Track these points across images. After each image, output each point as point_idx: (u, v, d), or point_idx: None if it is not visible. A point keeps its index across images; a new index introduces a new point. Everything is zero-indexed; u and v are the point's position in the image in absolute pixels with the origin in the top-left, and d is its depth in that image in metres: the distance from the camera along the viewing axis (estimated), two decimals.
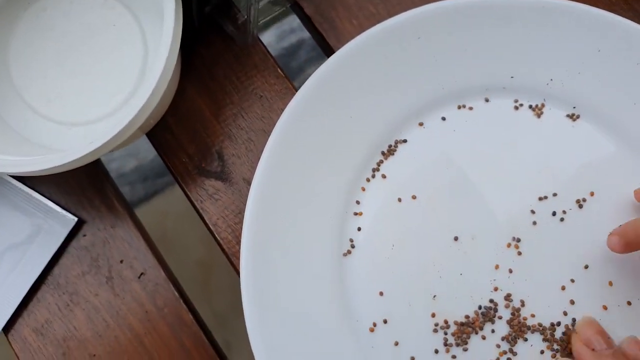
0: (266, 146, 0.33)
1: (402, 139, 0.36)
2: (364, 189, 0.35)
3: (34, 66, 0.35)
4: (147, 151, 0.95)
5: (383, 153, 0.36)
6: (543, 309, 0.33)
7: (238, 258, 0.34)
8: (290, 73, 0.37)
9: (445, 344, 0.33)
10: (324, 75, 0.34)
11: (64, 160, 0.29)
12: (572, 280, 0.33)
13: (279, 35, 0.87)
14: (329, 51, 0.38)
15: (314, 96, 0.34)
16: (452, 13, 0.36)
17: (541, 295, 0.33)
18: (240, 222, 0.35)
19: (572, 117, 0.36)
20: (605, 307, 0.33)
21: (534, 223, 0.34)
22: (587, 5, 0.35)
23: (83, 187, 0.36)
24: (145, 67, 0.35)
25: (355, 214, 0.35)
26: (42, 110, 0.35)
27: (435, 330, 0.33)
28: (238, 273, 0.34)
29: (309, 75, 0.34)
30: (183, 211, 0.90)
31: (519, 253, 0.34)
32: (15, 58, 0.35)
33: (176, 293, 0.35)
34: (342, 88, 0.35)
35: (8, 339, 0.34)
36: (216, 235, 0.35)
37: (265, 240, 0.33)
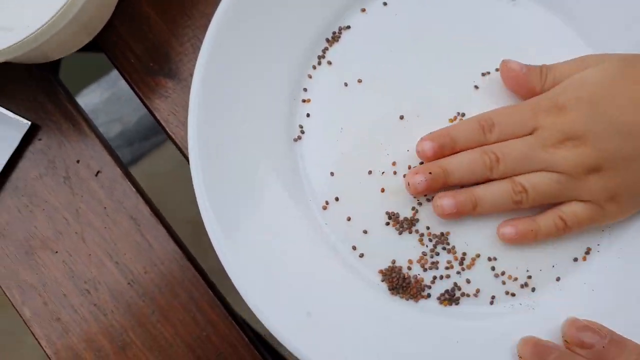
0: (206, 36, 0.34)
1: (346, 25, 0.37)
2: (310, 77, 0.36)
3: None
4: (131, 114, 0.95)
5: (327, 40, 0.36)
6: None
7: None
8: None
9: (394, 215, 0.34)
10: None
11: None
12: None
13: None
14: None
15: None
16: None
17: None
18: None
19: None
20: None
21: (479, 96, 0.35)
22: None
23: (35, 94, 0.37)
24: None
25: (304, 100, 0.36)
26: None
27: (383, 204, 0.34)
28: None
29: None
30: (169, 172, 0.91)
31: None
32: None
33: (133, 188, 0.35)
34: None
35: None
36: (168, 131, 0.36)
37: (214, 129, 0.34)
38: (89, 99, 0.93)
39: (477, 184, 0.33)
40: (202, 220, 0.32)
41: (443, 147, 0.33)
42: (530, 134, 0.32)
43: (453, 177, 0.32)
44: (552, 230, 0.32)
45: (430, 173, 0.32)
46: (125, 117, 0.95)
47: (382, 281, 0.33)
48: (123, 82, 0.85)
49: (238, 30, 0.34)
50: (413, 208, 0.34)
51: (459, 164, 0.32)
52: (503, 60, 0.34)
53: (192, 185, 0.32)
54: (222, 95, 0.34)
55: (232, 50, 0.34)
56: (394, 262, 0.34)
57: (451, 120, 0.35)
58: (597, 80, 0.31)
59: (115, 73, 0.90)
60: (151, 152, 0.94)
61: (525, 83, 0.33)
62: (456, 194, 0.33)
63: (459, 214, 0.33)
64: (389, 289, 0.33)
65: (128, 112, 0.96)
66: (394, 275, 0.33)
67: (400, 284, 0.33)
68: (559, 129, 0.31)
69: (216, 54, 0.34)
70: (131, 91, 0.37)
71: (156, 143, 0.95)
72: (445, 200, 0.32)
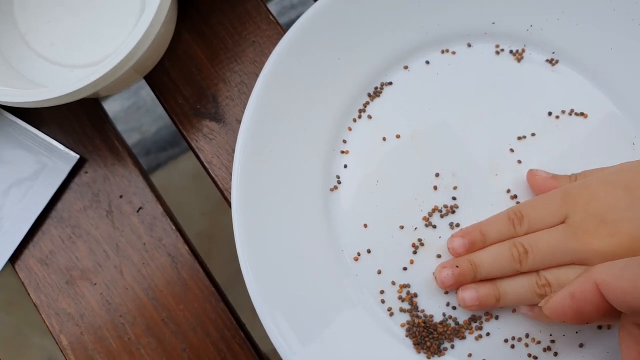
0: (256, 85, 0.35)
1: (388, 81, 0.38)
2: (350, 129, 0.37)
3: (37, 11, 0.37)
4: (150, 124, 0.97)
5: (369, 94, 0.38)
6: None
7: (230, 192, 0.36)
8: (281, 20, 0.39)
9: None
10: (311, 19, 0.36)
11: (57, 93, 0.31)
12: None
13: None
14: None
15: (301, 38, 0.36)
16: None
17: None
18: (230, 159, 0.37)
19: (552, 61, 0.38)
20: None
21: (519, 162, 0.36)
22: None
23: (84, 127, 0.38)
24: (142, 13, 0.37)
25: (342, 152, 0.37)
26: (45, 53, 0.37)
27: (413, 262, 0.35)
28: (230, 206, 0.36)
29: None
30: (184, 183, 0.92)
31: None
32: (19, 3, 0.37)
33: (173, 226, 0.37)
34: (329, 31, 0.36)
35: (15, 269, 0.36)
36: (211, 173, 0.37)
37: (255, 175, 0.35)
38: (109, 106, 0.95)
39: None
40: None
41: (474, 244, 0.33)
42: (561, 222, 0.31)
43: (481, 271, 0.32)
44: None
45: (457, 267, 0.33)
46: (145, 127, 0.97)
47: (406, 336, 0.34)
48: (144, 92, 0.87)
49: (286, 81, 0.36)
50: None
51: (488, 259, 0.32)
52: (530, 171, 0.35)
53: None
54: (266, 144, 0.35)
55: (278, 101, 0.35)
56: (418, 317, 0.34)
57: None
58: (633, 167, 0.31)
59: (138, 84, 0.92)
60: (167, 163, 0.96)
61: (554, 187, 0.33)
62: (479, 287, 0.33)
63: (481, 307, 0.33)
64: (414, 344, 0.34)
65: (148, 122, 0.98)
66: (416, 330, 0.34)
67: (423, 339, 0.34)
68: (592, 213, 0.30)
69: (263, 104, 0.35)
70: (152, 101, 0.38)
71: (172, 155, 0.97)
72: (468, 294, 0.33)
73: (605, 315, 0.26)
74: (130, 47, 0.31)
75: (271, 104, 0.35)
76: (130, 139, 0.95)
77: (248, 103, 0.35)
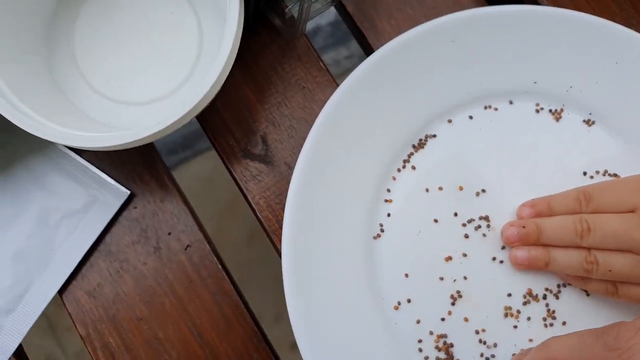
0: (309, 135, 0.36)
1: (432, 134, 0.39)
2: (394, 178, 0.39)
3: (97, 49, 0.38)
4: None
5: (414, 146, 0.39)
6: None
7: (277, 236, 0.38)
8: (331, 66, 0.40)
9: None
10: (364, 72, 0.37)
11: (133, 137, 0.32)
12: None
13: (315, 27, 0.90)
14: (367, 48, 0.41)
15: (354, 91, 0.37)
16: (483, 20, 0.38)
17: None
18: (280, 202, 0.38)
19: (588, 122, 0.39)
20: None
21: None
22: (606, 20, 0.38)
23: (134, 162, 0.39)
24: (200, 55, 0.38)
25: (386, 200, 0.38)
26: (102, 90, 0.38)
27: (451, 312, 0.36)
28: (276, 250, 0.37)
29: (345, 67, 0.37)
30: (209, 178, 0.92)
31: None
32: (80, 41, 0.38)
33: (219, 265, 0.38)
34: (379, 86, 0.38)
35: (63, 301, 0.37)
36: (258, 214, 0.38)
37: (304, 223, 0.36)
38: None
39: None
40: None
41: (540, 214, 0.36)
42: (630, 211, 0.33)
43: (544, 237, 0.35)
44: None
45: (523, 227, 0.35)
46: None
47: None
48: None
49: (337, 132, 0.37)
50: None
51: (552, 226, 0.35)
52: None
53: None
54: (315, 193, 0.36)
55: (329, 151, 0.37)
56: None
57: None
58: None
59: None
60: (177, 167, 0.97)
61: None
62: (531, 249, 0.36)
63: (530, 267, 0.36)
64: None
65: None
66: None
67: None
68: None
69: (315, 153, 0.36)
70: None
71: (184, 158, 0.98)
72: (520, 252, 0.36)
73: None
74: (205, 89, 0.32)
75: (322, 153, 0.37)
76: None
77: (300, 153, 0.36)
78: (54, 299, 0.37)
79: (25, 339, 0.37)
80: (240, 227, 0.86)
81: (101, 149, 0.32)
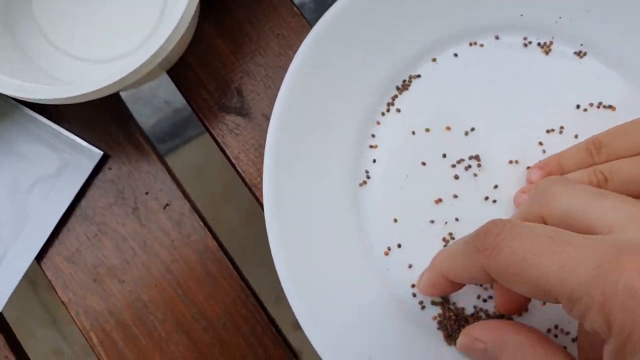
0: (284, 81, 0.34)
1: (416, 74, 0.37)
2: (379, 123, 0.37)
3: (56, 6, 0.36)
4: (148, 116, 0.95)
5: (398, 88, 0.37)
6: None
7: (259, 189, 0.36)
8: (306, 12, 0.38)
9: None
10: (338, 12, 0.35)
11: (82, 91, 0.30)
12: None
13: None
14: None
15: (328, 33, 0.35)
16: None
17: None
18: (261, 155, 0.36)
19: (580, 54, 0.37)
20: None
21: (544, 152, 0.36)
22: None
23: (107, 123, 0.37)
24: (165, 6, 0.36)
25: (371, 146, 0.37)
26: (66, 48, 0.36)
27: None
28: (259, 203, 0.36)
29: (322, 11, 0.35)
30: (201, 165, 0.92)
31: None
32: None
33: (201, 222, 0.36)
34: (357, 24, 0.36)
35: (42, 267, 0.36)
36: (238, 168, 0.37)
37: (286, 172, 0.34)
38: None
39: None
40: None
41: (551, 174, 0.34)
42: None
43: None
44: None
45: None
46: (143, 118, 0.96)
47: (438, 329, 0.34)
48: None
49: (314, 76, 0.35)
50: None
51: None
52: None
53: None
54: (295, 141, 0.35)
55: (307, 97, 0.35)
56: (450, 309, 0.35)
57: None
58: None
59: None
60: (166, 156, 0.96)
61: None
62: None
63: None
64: (444, 337, 0.34)
65: (146, 113, 0.96)
66: (447, 322, 0.34)
67: (454, 332, 0.34)
68: None
69: (292, 100, 0.35)
70: (150, 92, 0.37)
71: (172, 147, 0.96)
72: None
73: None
74: (160, 42, 0.31)
75: (300, 100, 0.35)
76: (147, 122, 0.94)
77: (276, 100, 0.34)
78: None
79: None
80: (237, 210, 0.85)
81: (61, 102, 0.31)
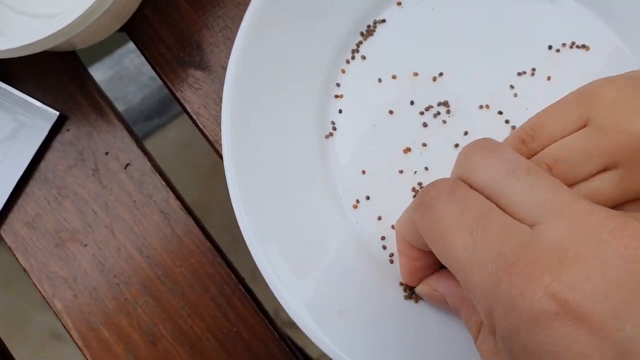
0: (240, 29, 0.33)
1: (381, 19, 0.36)
2: (343, 71, 0.35)
3: None
4: (135, 93, 0.94)
5: (362, 34, 0.36)
6: None
7: (221, 145, 0.35)
8: None
9: None
10: None
11: (23, 42, 0.28)
12: None
13: None
14: None
15: None
16: None
17: None
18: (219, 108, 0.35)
19: None
20: None
21: (515, 95, 0.35)
22: None
23: (63, 83, 0.36)
24: None
25: (336, 96, 0.35)
26: (14, 3, 0.35)
27: None
28: (221, 158, 0.35)
29: None
30: (172, 152, 0.90)
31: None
32: None
33: (163, 182, 0.35)
34: None
35: (0, 234, 0.35)
36: (199, 124, 0.35)
37: (246, 124, 0.33)
38: (92, 74, 0.92)
39: None
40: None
41: None
42: (582, 127, 0.28)
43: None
44: None
45: None
46: (129, 96, 0.94)
47: (400, 284, 0.33)
48: (127, 60, 0.84)
49: (271, 23, 0.34)
50: None
51: None
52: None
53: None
54: (255, 91, 0.33)
55: (265, 45, 0.33)
56: None
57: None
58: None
59: (120, 51, 0.89)
60: (155, 132, 0.94)
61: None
62: None
63: None
64: (405, 291, 0.33)
65: (132, 91, 0.95)
66: None
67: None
68: (625, 105, 0.26)
69: (249, 48, 0.33)
70: (136, 69, 0.36)
71: (160, 124, 0.95)
72: None
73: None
74: None
75: (257, 47, 0.33)
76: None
77: (233, 48, 0.33)
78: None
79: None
80: (200, 167, 0.83)
81: (2, 55, 0.29)
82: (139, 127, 0.93)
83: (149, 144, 0.92)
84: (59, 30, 0.28)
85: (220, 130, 0.35)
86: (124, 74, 0.93)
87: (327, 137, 0.35)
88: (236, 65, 0.33)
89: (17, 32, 0.34)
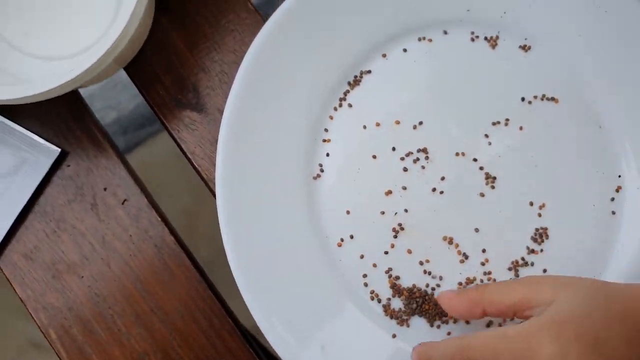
0: (237, 75, 0.35)
1: (367, 69, 0.38)
2: (331, 118, 0.38)
3: (10, 2, 0.36)
4: (127, 101, 0.95)
5: (349, 83, 0.38)
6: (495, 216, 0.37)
7: (214, 183, 0.37)
8: (260, 8, 0.39)
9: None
10: (289, 9, 0.36)
11: (37, 90, 0.30)
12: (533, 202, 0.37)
13: None
14: None
15: (281, 28, 0.36)
16: None
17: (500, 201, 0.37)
18: (216, 150, 0.37)
19: (524, 48, 0.39)
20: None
21: (489, 144, 0.38)
22: None
23: (65, 119, 0.38)
24: (120, 4, 0.37)
25: (324, 140, 0.38)
26: (20, 45, 0.36)
27: (394, 246, 0.36)
28: (214, 196, 0.37)
29: (275, 8, 0.36)
30: (164, 161, 0.91)
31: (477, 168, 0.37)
32: None
33: (158, 217, 0.37)
34: (308, 21, 0.37)
35: None
36: (194, 163, 0.37)
37: (239, 165, 0.35)
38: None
39: None
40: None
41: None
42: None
43: None
44: None
45: None
46: (122, 105, 0.95)
47: (388, 315, 0.35)
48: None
49: (266, 71, 0.36)
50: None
51: None
52: (439, 294, 0.33)
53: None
54: (248, 134, 0.36)
55: (260, 91, 0.36)
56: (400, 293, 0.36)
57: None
58: (594, 312, 0.27)
59: None
60: (146, 141, 0.95)
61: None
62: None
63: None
64: (403, 316, 0.35)
65: (124, 99, 0.96)
66: (409, 301, 0.35)
67: (412, 306, 0.35)
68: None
69: (245, 94, 0.35)
70: (128, 79, 0.38)
71: (151, 132, 0.96)
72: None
73: None
74: (112, 39, 0.31)
75: (253, 93, 0.36)
76: (108, 117, 0.93)
77: (230, 93, 0.35)
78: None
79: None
80: (194, 204, 0.85)
81: (16, 102, 0.31)
82: (131, 136, 0.93)
83: (141, 152, 0.93)
84: (77, 77, 0.30)
85: (214, 170, 0.37)
86: (116, 82, 0.94)
87: (314, 178, 0.37)
88: (232, 110, 0.35)
89: (31, 75, 0.35)
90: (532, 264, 0.36)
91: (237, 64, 0.38)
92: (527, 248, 0.36)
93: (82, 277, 0.36)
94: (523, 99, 0.38)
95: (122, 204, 0.37)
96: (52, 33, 0.37)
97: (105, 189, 0.37)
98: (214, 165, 0.37)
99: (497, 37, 0.39)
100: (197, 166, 0.37)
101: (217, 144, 0.37)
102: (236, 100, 0.35)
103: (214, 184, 0.36)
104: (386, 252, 0.36)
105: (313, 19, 0.37)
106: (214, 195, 0.37)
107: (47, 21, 0.37)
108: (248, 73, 0.36)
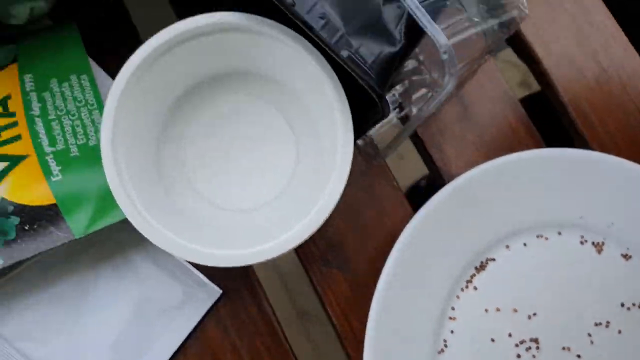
0: (390, 256, 0.41)
1: (492, 257, 0.44)
2: (458, 297, 0.43)
3: (206, 163, 0.42)
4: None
5: (476, 268, 0.44)
6: None
7: (349, 341, 0.42)
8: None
9: None
10: (435, 206, 0.42)
11: (268, 255, 0.35)
12: None
13: None
14: (435, 171, 0.46)
15: (430, 217, 0.42)
16: (541, 161, 0.44)
17: None
18: (352, 311, 0.42)
19: (626, 256, 0.45)
20: None
21: (591, 342, 0.43)
22: None
23: None
24: (295, 171, 0.42)
25: (450, 318, 0.43)
26: (212, 199, 0.41)
27: None
28: (348, 355, 0.41)
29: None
30: None
31: None
32: (191, 158, 0.41)
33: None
34: (450, 214, 0.43)
35: None
36: (333, 319, 0.42)
37: (382, 341, 0.40)
38: None
39: None
40: None
41: None
42: None
43: None
44: None
45: None
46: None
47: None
48: None
49: (413, 256, 0.41)
50: None
51: None
52: None
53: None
54: (392, 314, 0.41)
55: (405, 274, 0.41)
56: None
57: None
58: None
59: None
60: None
61: None
62: None
63: None
64: None
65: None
66: None
67: None
68: None
69: (394, 277, 0.41)
70: None
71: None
72: None
73: None
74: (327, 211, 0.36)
75: (400, 276, 0.41)
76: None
77: (382, 274, 0.40)
78: None
79: None
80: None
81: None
82: None
83: None
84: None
85: (349, 329, 0.42)
86: None
87: (439, 352, 0.42)
88: (382, 290, 0.40)
89: (210, 221, 0.40)
90: None
91: (377, 232, 0.44)
92: None
93: None
94: (622, 304, 0.44)
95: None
96: (236, 191, 0.41)
97: (253, 334, 0.42)
98: (349, 323, 0.42)
99: (603, 244, 0.45)
100: (334, 322, 0.42)
101: (350, 301, 0.42)
102: (387, 280, 0.40)
103: (346, 338, 0.40)
104: None
105: (455, 213, 0.43)
106: (343, 346, 0.41)
107: (233, 181, 0.41)
108: (397, 258, 0.41)
